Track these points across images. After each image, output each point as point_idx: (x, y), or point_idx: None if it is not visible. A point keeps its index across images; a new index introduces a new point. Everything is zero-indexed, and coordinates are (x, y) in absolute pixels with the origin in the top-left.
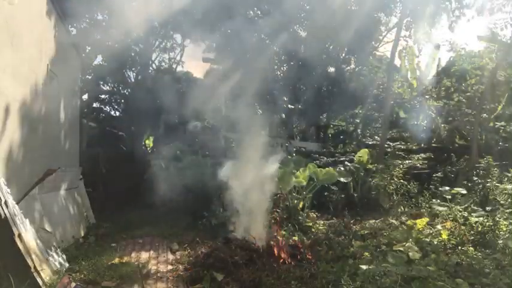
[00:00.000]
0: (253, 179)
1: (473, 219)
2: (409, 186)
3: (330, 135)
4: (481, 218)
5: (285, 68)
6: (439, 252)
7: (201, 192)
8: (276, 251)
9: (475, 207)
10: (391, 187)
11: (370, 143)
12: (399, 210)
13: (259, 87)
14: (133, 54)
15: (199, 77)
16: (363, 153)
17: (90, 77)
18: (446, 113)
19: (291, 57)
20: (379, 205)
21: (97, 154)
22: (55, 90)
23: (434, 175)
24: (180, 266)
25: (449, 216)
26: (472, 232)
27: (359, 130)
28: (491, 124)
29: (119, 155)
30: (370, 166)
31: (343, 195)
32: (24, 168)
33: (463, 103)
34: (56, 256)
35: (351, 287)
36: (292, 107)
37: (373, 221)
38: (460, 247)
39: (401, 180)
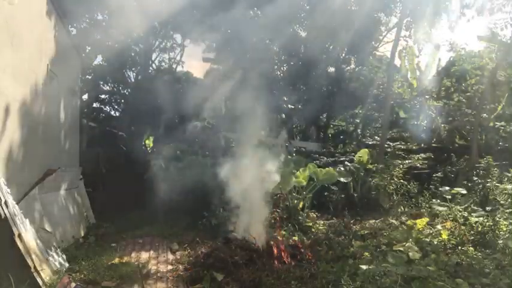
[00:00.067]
0: (253, 179)
1: (473, 219)
2: (409, 186)
3: (330, 135)
4: (481, 218)
5: (285, 68)
6: (439, 252)
7: (201, 192)
8: (276, 251)
9: (475, 207)
10: (391, 187)
11: (370, 143)
12: (399, 210)
13: (259, 87)
14: (133, 54)
15: (199, 77)
16: (363, 153)
17: (90, 77)
18: (446, 113)
19: (291, 57)
20: (379, 205)
21: (97, 154)
22: (55, 90)
23: (434, 175)
24: (180, 266)
25: (449, 216)
26: (472, 232)
27: (359, 130)
28: (491, 124)
29: (118, 155)
30: (370, 166)
31: (343, 195)
32: (24, 168)
33: (463, 103)
34: (56, 256)
35: (351, 287)
36: (292, 107)
37: (373, 221)
38: (460, 247)
39: (401, 180)
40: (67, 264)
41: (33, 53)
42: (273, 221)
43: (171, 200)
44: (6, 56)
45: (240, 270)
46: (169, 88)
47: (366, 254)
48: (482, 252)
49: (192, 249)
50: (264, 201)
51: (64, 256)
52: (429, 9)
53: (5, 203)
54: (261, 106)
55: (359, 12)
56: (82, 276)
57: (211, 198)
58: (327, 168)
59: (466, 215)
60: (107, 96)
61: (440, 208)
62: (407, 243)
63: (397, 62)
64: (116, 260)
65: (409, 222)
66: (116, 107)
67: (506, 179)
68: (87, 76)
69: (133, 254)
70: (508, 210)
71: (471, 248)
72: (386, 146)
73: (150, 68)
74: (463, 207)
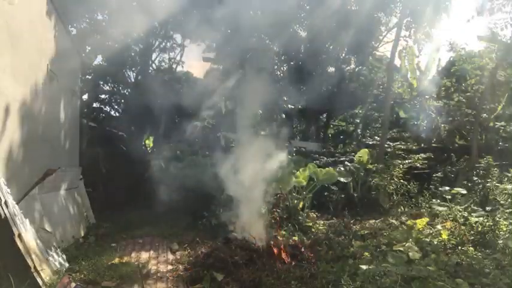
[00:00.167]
0: (253, 179)
1: (473, 219)
2: (409, 186)
3: (330, 135)
4: (481, 218)
5: (285, 68)
6: (439, 252)
7: (201, 192)
8: (276, 251)
9: (475, 207)
10: (391, 187)
11: (370, 143)
12: (399, 210)
13: (259, 87)
14: (133, 54)
15: (199, 77)
16: (363, 153)
17: (90, 77)
18: (446, 113)
19: (291, 57)
20: (379, 205)
21: (97, 154)
22: (55, 90)
23: (434, 175)
24: (180, 266)
25: (449, 216)
26: (472, 232)
27: (359, 130)
28: (491, 124)
29: (118, 155)
30: (370, 166)
31: (343, 195)
32: (24, 168)
33: (463, 103)
34: (56, 256)
35: (351, 287)
36: (292, 107)
37: (373, 221)
38: (460, 247)
39: (401, 180)
40: (67, 264)
41: (33, 53)
42: (273, 221)
43: (171, 200)
44: (6, 56)
45: (240, 270)
46: (169, 88)
47: (366, 254)
48: (482, 252)
49: (192, 249)
50: (264, 201)
51: (64, 256)
52: (429, 9)
53: (5, 203)
54: (261, 106)
55: (359, 12)
56: (82, 276)
57: (211, 198)
58: (327, 168)
59: (466, 215)
60: (106, 96)
61: (440, 208)
62: (407, 243)
63: (397, 62)
64: (116, 260)
65: (409, 222)
66: (116, 107)
67: (506, 179)
68: (87, 76)
69: (133, 254)
70: (508, 210)
71: (471, 248)
72: (386, 146)
73: (150, 68)
74: (463, 207)
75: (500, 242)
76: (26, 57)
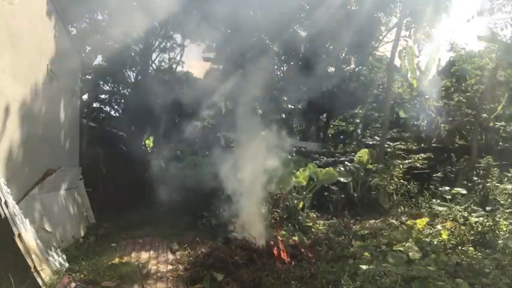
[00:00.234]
0: (253, 179)
1: (473, 219)
2: (409, 186)
3: (330, 135)
4: (481, 218)
5: (285, 68)
6: (439, 252)
7: (201, 192)
8: (276, 251)
9: (475, 207)
10: (391, 187)
11: (370, 143)
12: (399, 210)
13: (259, 87)
14: (133, 54)
15: (199, 77)
16: (363, 153)
17: (90, 77)
18: (446, 113)
19: (291, 57)
20: (379, 205)
21: (97, 154)
22: (55, 90)
23: (434, 175)
24: (180, 266)
25: (449, 216)
26: (472, 232)
27: (359, 130)
28: (491, 124)
29: (118, 155)
30: (370, 166)
31: (343, 195)
32: (24, 168)
33: (463, 103)
34: (56, 256)
35: (351, 287)
36: (292, 107)
37: (373, 221)
38: (460, 247)
39: (401, 180)
40: (67, 264)
41: (33, 53)
42: (273, 221)
43: (171, 200)
44: (6, 56)
45: (240, 270)
46: (169, 88)
47: (366, 254)
48: (482, 252)
49: (192, 249)
50: (264, 201)
51: (64, 256)
52: (429, 9)
53: (5, 203)
54: (261, 106)
55: (359, 12)
56: (82, 276)
57: (211, 198)
58: (327, 168)
59: (466, 215)
60: (107, 96)
61: (440, 208)
62: (407, 243)
63: (397, 62)
64: (116, 260)
65: (409, 222)
66: (116, 107)
67: (506, 179)
68: (87, 76)
69: (133, 254)
70: (508, 210)
71: (471, 248)
72: (386, 146)
73: (150, 68)
74: (463, 207)
75: (500, 242)
76: (26, 57)
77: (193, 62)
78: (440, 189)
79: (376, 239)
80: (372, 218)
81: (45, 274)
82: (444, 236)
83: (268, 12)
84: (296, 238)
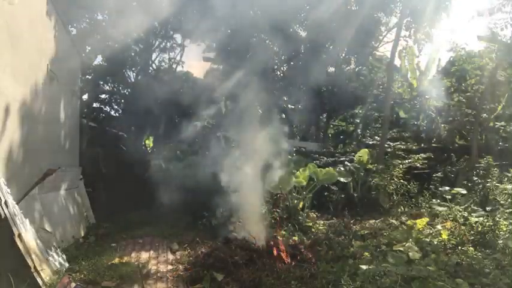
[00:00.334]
0: (253, 179)
1: (473, 219)
2: (409, 186)
3: (330, 135)
4: (481, 218)
5: (285, 68)
6: (439, 252)
7: (201, 192)
8: (276, 251)
9: (475, 207)
10: (391, 187)
11: (370, 143)
12: (399, 210)
13: (259, 87)
14: (133, 54)
15: (199, 77)
16: (363, 153)
17: (90, 77)
18: (446, 113)
19: (291, 57)
20: (379, 205)
21: (97, 154)
22: (55, 90)
23: (434, 175)
24: (180, 266)
25: (449, 216)
26: (472, 232)
27: (359, 130)
28: (491, 124)
29: (118, 155)
30: (370, 166)
31: (343, 195)
32: (24, 168)
33: (463, 103)
34: (56, 256)
35: (351, 287)
36: (292, 107)
37: (373, 221)
38: (460, 247)
39: (401, 180)
40: (67, 264)
41: (33, 53)
42: (273, 221)
43: (171, 200)
44: (6, 56)
45: (240, 270)
46: (169, 88)
47: (366, 254)
48: (482, 252)
49: (192, 249)
50: (264, 201)
51: (64, 256)
52: (429, 9)
53: (5, 203)
54: (261, 106)
55: (359, 12)
56: (82, 276)
57: (211, 198)
58: (327, 168)
59: (466, 215)
60: (107, 96)
61: (440, 208)
62: (407, 243)
63: (397, 62)
64: (116, 260)
65: (409, 222)
66: (116, 107)
67: (506, 179)
68: (87, 76)
69: (133, 254)
70: (508, 210)
71: (471, 248)
72: (386, 146)
73: (150, 68)
74: (463, 207)
75: (500, 242)
76: (26, 57)
77: (193, 62)
78: (440, 189)
79: (376, 239)
80: (372, 218)
81: (45, 274)
82: (444, 236)
83: (268, 12)
84: (296, 238)
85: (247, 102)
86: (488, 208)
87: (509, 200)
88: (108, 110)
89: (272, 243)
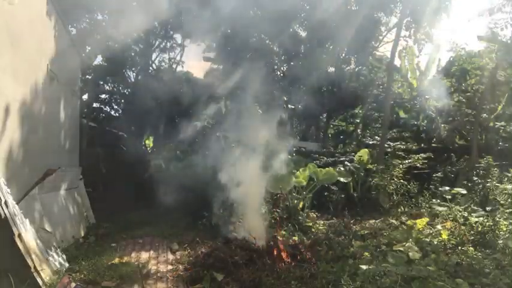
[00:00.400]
0: (253, 179)
1: (473, 219)
2: (409, 186)
3: (330, 135)
4: (481, 218)
5: (285, 67)
6: (439, 252)
7: (201, 192)
8: (276, 251)
9: (475, 207)
10: (391, 187)
11: (370, 143)
12: (399, 210)
13: (259, 87)
14: (133, 54)
15: (199, 77)
16: (363, 153)
17: (90, 77)
18: (446, 113)
19: (291, 57)
20: (379, 205)
21: (97, 154)
22: (55, 90)
23: (434, 175)
24: (180, 266)
25: (449, 216)
26: (472, 232)
27: (359, 130)
28: (491, 124)
29: (118, 155)
30: (370, 166)
31: (343, 195)
32: (24, 168)
33: (463, 103)
34: (56, 256)
35: (351, 287)
36: (292, 107)
37: (373, 221)
38: (460, 247)
39: (401, 180)
40: (67, 264)
41: (33, 53)
42: (273, 221)
43: (171, 200)
44: (6, 56)
45: (240, 270)
46: (169, 88)
47: (366, 254)
48: (482, 252)
49: (192, 249)
50: (264, 201)
51: (64, 256)
52: (429, 9)
53: (5, 203)
54: (261, 106)
55: (359, 12)
56: (82, 276)
57: (211, 198)
58: (327, 168)
59: (466, 215)
60: (107, 96)
61: (440, 208)
62: (407, 243)
63: (397, 62)
64: (116, 260)
65: (409, 222)
66: (116, 107)
67: (506, 179)
68: (87, 76)
69: (133, 254)
70: (508, 210)
71: (471, 248)
72: (386, 146)
73: (150, 68)
74: (463, 207)
75: (500, 242)
76: (26, 57)
77: (193, 62)
78: (440, 189)
79: (376, 239)
80: (372, 218)
81: (45, 274)
82: (444, 236)
83: (268, 12)
84: (296, 238)
85: (247, 102)
86: (488, 208)
87: (509, 200)
88: (108, 110)
89: (272, 243)
